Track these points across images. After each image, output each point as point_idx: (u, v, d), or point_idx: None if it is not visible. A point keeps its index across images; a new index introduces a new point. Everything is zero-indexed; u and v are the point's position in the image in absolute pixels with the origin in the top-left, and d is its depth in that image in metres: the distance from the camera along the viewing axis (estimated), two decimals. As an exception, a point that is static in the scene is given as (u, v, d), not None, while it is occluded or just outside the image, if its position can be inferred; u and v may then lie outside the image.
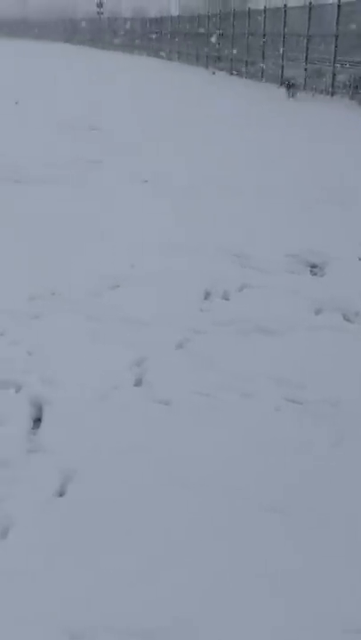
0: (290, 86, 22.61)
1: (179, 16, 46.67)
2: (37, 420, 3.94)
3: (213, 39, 35.94)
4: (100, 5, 60.08)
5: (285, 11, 26.66)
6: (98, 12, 61.20)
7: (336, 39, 22.26)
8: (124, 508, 3.20)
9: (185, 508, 3.20)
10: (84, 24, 68.08)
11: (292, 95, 22.31)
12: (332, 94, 22.57)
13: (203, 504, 3.23)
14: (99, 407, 4.04)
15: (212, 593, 2.75)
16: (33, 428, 3.86)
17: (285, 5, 27.18)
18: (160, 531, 3.06)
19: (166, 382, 4.34)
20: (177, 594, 2.74)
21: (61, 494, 3.31)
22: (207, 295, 5.84)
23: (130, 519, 3.13)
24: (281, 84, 24.37)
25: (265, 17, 28.73)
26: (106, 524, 3.10)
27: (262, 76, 28.88)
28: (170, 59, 43.94)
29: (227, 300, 5.78)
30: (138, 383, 4.37)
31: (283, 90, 23.09)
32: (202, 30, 38.34)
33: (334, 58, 22.47)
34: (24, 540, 3.01)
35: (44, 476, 3.40)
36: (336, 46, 22.30)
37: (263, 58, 28.87)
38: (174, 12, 57.92)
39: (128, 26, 55.41)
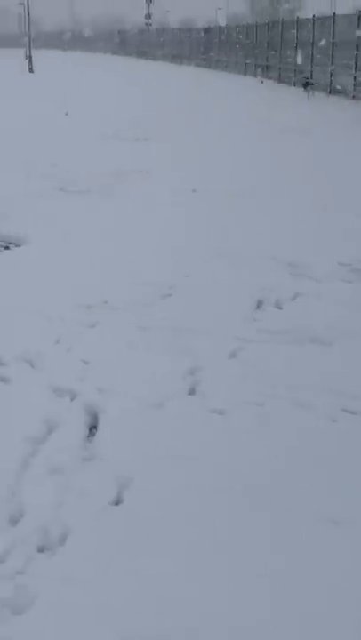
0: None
1: (226, 26, 46.73)
2: (93, 428, 3.97)
3: (261, 48, 35.90)
4: (148, 17, 60.49)
5: (334, 19, 26.50)
6: (146, 24, 61.64)
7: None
8: (180, 518, 3.19)
9: (242, 518, 3.18)
10: (132, 35, 68.69)
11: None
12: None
13: (260, 515, 3.20)
14: (154, 416, 4.05)
15: (272, 607, 2.72)
16: (88, 436, 3.89)
17: (334, 14, 27.02)
18: (217, 540, 3.05)
19: (220, 392, 4.33)
20: (237, 606, 2.72)
21: (117, 503, 3.32)
22: (260, 304, 5.82)
23: (186, 528, 3.12)
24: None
25: (314, 25, 28.60)
26: (162, 533, 3.10)
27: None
28: (217, 68, 44.02)
29: (280, 308, 5.75)
30: (192, 392, 4.37)
31: (333, 98, 22.94)
32: (249, 40, 38.33)
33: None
34: (81, 547, 3.02)
35: (100, 485, 3.42)
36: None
37: (312, 67, 28.73)
38: (222, 22, 58.07)
39: (176, 36, 55.69)
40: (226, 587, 2.81)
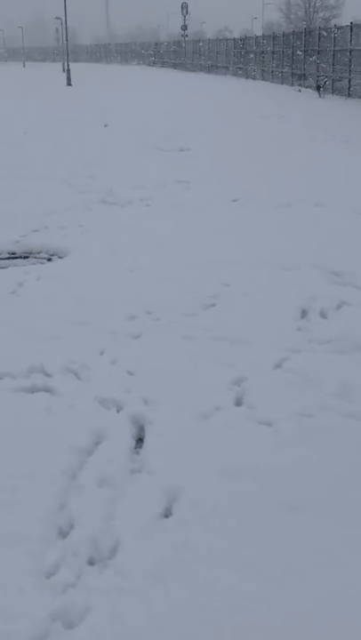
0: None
1: (263, 35, 46.74)
2: (139, 440, 3.95)
3: (297, 57, 35.84)
4: (184, 28, 60.70)
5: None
6: (182, 35, 61.85)
7: None
8: (229, 529, 3.15)
9: (293, 531, 3.13)
10: (167, 47, 69.08)
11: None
12: None
13: (311, 528, 3.15)
14: (201, 427, 4.02)
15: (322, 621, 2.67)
16: (135, 448, 3.87)
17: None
18: (268, 553, 3.01)
19: (267, 402, 4.28)
20: (288, 621, 2.67)
21: (167, 515, 3.29)
22: (304, 313, 5.76)
23: (236, 541, 3.08)
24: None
25: (351, 32, 28.47)
26: (212, 545, 3.06)
27: (348, 93, 28.58)
28: (254, 77, 44.05)
29: (325, 318, 5.69)
30: (238, 403, 4.33)
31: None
32: (286, 48, 38.30)
33: None
34: (132, 560, 3.00)
35: (149, 497, 3.39)
36: None
37: (350, 74, 28.58)
38: (257, 31, 58.02)
39: (212, 47, 55.86)
40: (284, 602, 2.77)
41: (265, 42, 43.00)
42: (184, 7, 59.79)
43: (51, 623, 2.69)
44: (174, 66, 61.93)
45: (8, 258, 7.49)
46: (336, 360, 4.89)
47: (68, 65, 43.93)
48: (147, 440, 3.93)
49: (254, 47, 45.11)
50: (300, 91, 33.46)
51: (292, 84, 36.29)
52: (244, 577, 2.88)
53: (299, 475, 3.55)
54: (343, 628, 2.65)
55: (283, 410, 4.18)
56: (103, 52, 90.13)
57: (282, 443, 3.84)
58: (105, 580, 2.89)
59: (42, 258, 7.47)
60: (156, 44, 76.71)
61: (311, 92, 32.09)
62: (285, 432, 3.94)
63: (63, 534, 3.16)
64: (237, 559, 2.98)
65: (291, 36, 38.36)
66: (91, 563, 3.01)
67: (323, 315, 5.72)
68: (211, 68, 53.67)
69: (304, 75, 35.30)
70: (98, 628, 2.65)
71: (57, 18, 62.08)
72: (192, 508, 3.30)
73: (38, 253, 7.58)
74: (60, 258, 7.41)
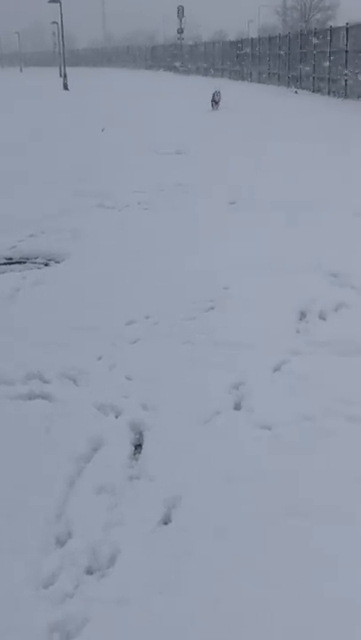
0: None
1: (259, 37, 46.74)
2: (138, 446, 3.91)
3: (293, 59, 35.85)
4: (180, 32, 60.71)
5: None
6: (178, 38, 61.85)
7: None
8: (230, 536, 3.11)
9: (295, 537, 3.09)
10: (164, 50, 69.09)
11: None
12: None
13: (313, 534, 3.11)
14: (200, 432, 3.97)
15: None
16: (134, 454, 3.83)
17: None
18: (271, 560, 2.97)
19: (266, 406, 4.24)
20: (291, 628, 2.63)
21: (166, 522, 3.25)
22: (303, 315, 5.72)
23: (238, 548, 3.04)
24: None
25: (347, 34, 28.46)
26: (213, 552, 3.02)
27: (346, 93, 28.57)
28: (251, 80, 44.06)
29: (323, 319, 5.65)
30: (237, 407, 4.29)
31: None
32: (282, 50, 38.31)
33: None
34: (131, 568, 2.96)
35: (149, 504, 3.35)
36: None
37: (346, 75, 28.57)
38: (253, 34, 58.00)
39: (208, 50, 55.87)
40: (276, 606, 2.73)
41: (261, 44, 43.01)
42: (180, 11, 59.84)
43: (49, 634, 2.65)
44: (171, 69, 61.92)
45: (5, 263, 7.45)
46: (336, 362, 4.85)
47: (65, 69, 43.93)
48: (145, 446, 3.88)
49: (250, 49, 45.12)
50: (296, 92, 33.46)
51: (289, 86, 36.28)
52: (247, 584, 2.84)
53: (300, 480, 3.51)
54: (344, 635, 2.61)
55: (282, 413, 4.14)
56: (100, 56, 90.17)
57: (282, 447, 3.80)
58: (104, 590, 2.84)
59: (39, 263, 7.43)
60: (153, 47, 76.71)
61: (308, 94, 32.09)
62: (286, 436, 3.90)
63: (61, 543, 3.12)
64: (240, 567, 2.94)
65: (286, 38, 38.36)
66: (89, 572, 2.96)
67: (321, 316, 5.69)
68: (207, 71, 53.66)
69: (300, 76, 35.30)
70: (97, 639, 2.61)
71: (53, 22, 62.18)
72: (192, 515, 3.26)
73: (35, 258, 7.54)
74: (57, 263, 7.36)
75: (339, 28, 30.88)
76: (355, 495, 3.37)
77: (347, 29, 28.74)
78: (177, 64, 60.72)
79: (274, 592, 2.80)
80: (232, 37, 66.22)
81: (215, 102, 22.01)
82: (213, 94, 22.29)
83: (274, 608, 2.73)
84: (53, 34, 79.62)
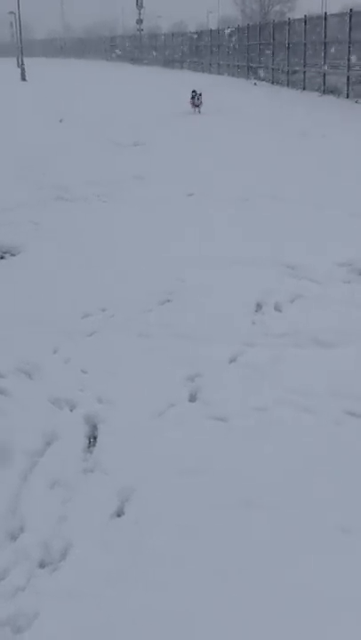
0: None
1: (218, 29, 46.72)
2: (93, 439, 3.90)
3: (253, 50, 35.92)
4: (139, 22, 60.44)
5: (326, 18, 26.48)
6: (138, 29, 61.56)
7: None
8: (183, 528, 3.13)
9: (247, 529, 3.12)
10: (123, 41, 68.70)
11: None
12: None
13: (267, 524, 3.14)
14: (154, 425, 3.98)
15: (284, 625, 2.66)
16: (89, 447, 3.82)
17: (326, 13, 27.02)
18: (224, 551, 2.99)
19: (221, 398, 4.26)
20: (248, 621, 2.66)
21: (119, 514, 3.26)
22: (258, 307, 5.75)
23: (189, 539, 3.06)
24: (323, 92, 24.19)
25: (305, 26, 28.58)
26: (165, 545, 3.03)
27: (304, 85, 28.71)
28: (210, 72, 44.03)
29: (279, 311, 5.68)
30: (192, 399, 4.31)
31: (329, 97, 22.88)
32: (241, 42, 38.35)
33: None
34: (83, 561, 2.96)
35: (102, 496, 3.35)
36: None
37: (305, 67, 28.71)
38: (213, 25, 57.95)
39: (168, 41, 55.70)
40: (230, 597, 2.75)
41: (220, 35, 42.99)
42: (139, 1, 59.55)
43: (0, 628, 2.64)
44: (131, 60, 61.59)
45: None
46: (291, 353, 4.89)
47: (23, 60, 43.43)
48: (100, 439, 3.88)
49: (210, 41, 45.08)
50: (255, 84, 33.53)
51: (248, 78, 36.34)
52: (202, 577, 2.85)
53: (254, 470, 3.53)
54: (297, 627, 2.65)
55: (237, 405, 4.16)
56: (59, 47, 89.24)
57: (236, 438, 3.82)
58: (56, 583, 2.84)
59: (-6, 256, 7.35)
60: (112, 38, 76.21)
61: (268, 85, 32.19)
62: (240, 427, 3.93)
63: (13, 538, 3.10)
64: (194, 558, 2.95)
65: (245, 30, 38.40)
66: (41, 565, 2.96)
67: (277, 308, 5.72)
68: (167, 62, 53.50)
69: (260, 68, 35.37)
70: (47, 632, 2.60)
71: (10, 12, 61.43)
72: (145, 507, 3.27)
73: (-9, 251, 7.46)
74: (13, 255, 7.30)
75: (297, 20, 30.99)
76: (305, 484, 3.40)
77: (305, 22, 28.84)
78: (136, 55, 60.43)
79: (229, 582, 2.82)
80: (192, 28, 66.20)
81: (196, 106, 21.16)
82: (193, 97, 21.34)
83: (228, 597, 2.75)
84: (11, 24, 78.65)
